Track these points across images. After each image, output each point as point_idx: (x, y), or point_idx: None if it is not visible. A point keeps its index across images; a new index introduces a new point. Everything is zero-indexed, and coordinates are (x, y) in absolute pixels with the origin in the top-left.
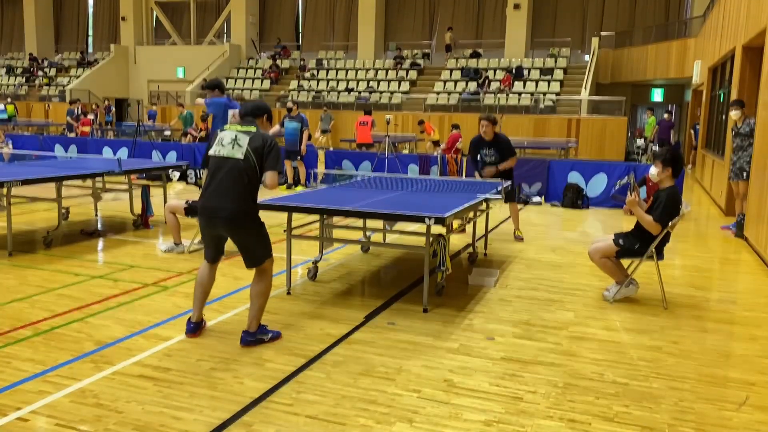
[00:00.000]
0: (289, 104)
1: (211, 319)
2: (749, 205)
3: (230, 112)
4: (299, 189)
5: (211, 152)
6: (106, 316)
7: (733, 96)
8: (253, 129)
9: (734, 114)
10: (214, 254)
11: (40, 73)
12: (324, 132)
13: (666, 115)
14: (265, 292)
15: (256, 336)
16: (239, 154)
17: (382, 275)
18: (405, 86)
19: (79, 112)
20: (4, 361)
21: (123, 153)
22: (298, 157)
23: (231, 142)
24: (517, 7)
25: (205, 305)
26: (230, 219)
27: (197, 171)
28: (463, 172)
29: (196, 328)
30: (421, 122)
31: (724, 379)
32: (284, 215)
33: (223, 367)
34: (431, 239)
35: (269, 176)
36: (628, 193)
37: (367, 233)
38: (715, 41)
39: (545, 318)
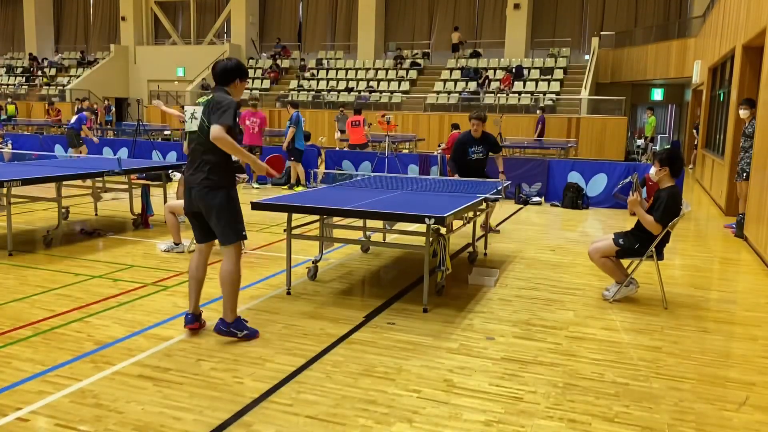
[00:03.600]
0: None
1: (211, 319)
2: (749, 205)
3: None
4: (299, 189)
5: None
6: (106, 316)
7: (733, 96)
8: (210, 96)
9: (743, 113)
10: (199, 234)
11: (40, 72)
12: (342, 132)
13: (538, 111)
14: (231, 278)
15: (229, 327)
16: (195, 126)
17: (382, 275)
18: (405, 86)
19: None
20: (4, 361)
21: (123, 153)
22: (292, 157)
23: (190, 117)
24: (517, 6)
25: (205, 305)
26: (198, 188)
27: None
28: None
29: (194, 319)
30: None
31: (724, 379)
32: (284, 215)
33: (223, 367)
34: (431, 239)
35: (212, 130)
36: (630, 192)
37: (367, 233)
38: (715, 41)
39: (545, 318)
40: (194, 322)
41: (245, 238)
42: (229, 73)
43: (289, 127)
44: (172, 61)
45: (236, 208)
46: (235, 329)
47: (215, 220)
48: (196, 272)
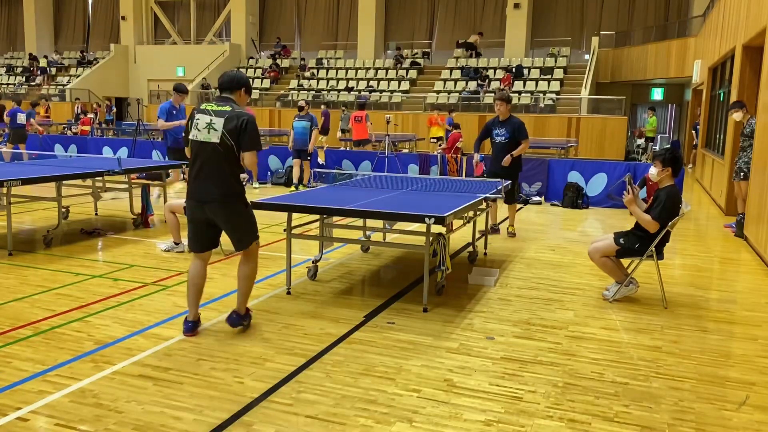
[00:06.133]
0: (301, 103)
1: (210, 319)
2: (749, 205)
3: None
4: (300, 188)
5: (190, 136)
6: (106, 315)
7: (733, 96)
8: (227, 108)
9: (736, 116)
10: (202, 243)
11: (38, 71)
12: (344, 132)
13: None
14: (252, 274)
15: (242, 320)
16: (215, 138)
17: (382, 275)
18: (405, 85)
19: (79, 111)
20: (4, 361)
21: (123, 152)
22: (309, 157)
23: (206, 126)
24: (517, 6)
25: (205, 305)
26: (217, 202)
27: None
28: (463, 171)
29: (195, 326)
30: (456, 125)
31: (724, 379)
32: (284, 215)
33: (223, 367)
34: (431, 238)
35: (248, 157)
36: (625, 192)
37: (367, 233)
38: (715, 41)
39: (545, 317)
40: (194, 329)
41: (257, 237)
42: (238, 82)
43: (311, 129)
44: (172, 61)
45: (250, 212)
46: (246, 320)
47: (235, 229)
48: (198, 280)
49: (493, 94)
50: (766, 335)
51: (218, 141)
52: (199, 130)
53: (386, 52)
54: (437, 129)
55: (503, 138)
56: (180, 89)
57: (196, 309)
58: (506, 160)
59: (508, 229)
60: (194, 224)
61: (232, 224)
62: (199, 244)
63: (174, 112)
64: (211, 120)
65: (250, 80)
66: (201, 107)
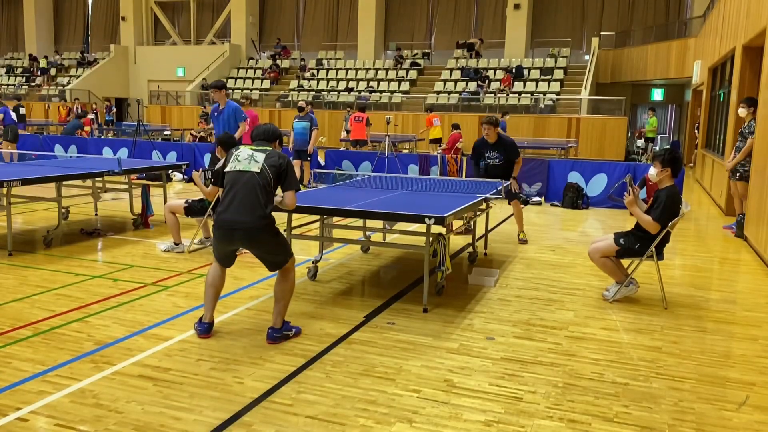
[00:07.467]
0: (301, 104)
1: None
2: (749, 205)
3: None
4: (300, 189)
5: (227, 169)
6: (106, 316)
7: (733, 96)
8: (268, 148)
9: (741, 111)
10: (228, 264)
11: (38, 72)
12: (348, 132)
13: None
14: (290, 290)
15: (282, 332)
16: (255, 168)
17: (382, 275)
18: (405, 86)
19: (79, 111)
20: (4, 361)
21: (123, 153)
22: (309, 158)
23: (247, 158)
24: (517, 7)
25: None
26: (248, 232)
27: (206, 173)
28: (463, 172)
29: (210, 328)
30: (456, 125)
31: (724, 379)
32: (284, 215)
33: (223, 367)
34: (431, 239)
35: (290, 196)
36: (625, 193)
37: (367, 233)
38: (715, 41)
39: (545, 318)
40: (210, 331)
41: (291, 255)
42: (275, 135)
43: (311, 130)
44: (172, 61)
45: (282, 239)
46: (286, 331)
47: (265, 254)
48: (217, 281)
49: (492, 95)
50: (766, 335)
51: (258, 171)
52: (239, 161)
53: (386, 52)
54: (434, 130)
55: (497, 160)
56: (216, 84)
57: (212, 311)
58: (513, 185)
59: (518, 235)
60: (220, 250)
61: (262, 250)
62: (224, 261)
63: (216, 114)
64: (252, 154)
65: (250, 80)
66: (240, 148)
